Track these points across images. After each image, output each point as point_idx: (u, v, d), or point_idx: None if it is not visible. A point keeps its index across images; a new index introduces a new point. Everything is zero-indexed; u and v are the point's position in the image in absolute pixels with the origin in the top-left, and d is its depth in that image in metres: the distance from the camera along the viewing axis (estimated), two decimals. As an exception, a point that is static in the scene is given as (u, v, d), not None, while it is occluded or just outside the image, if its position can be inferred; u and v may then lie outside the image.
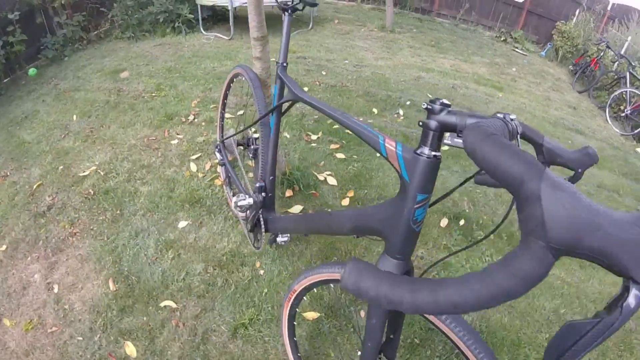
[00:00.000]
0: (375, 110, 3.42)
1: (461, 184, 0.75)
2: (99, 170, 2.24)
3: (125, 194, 2.08)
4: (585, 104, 5.39)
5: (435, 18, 6.92)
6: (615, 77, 5.55)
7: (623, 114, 5.02)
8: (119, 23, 4.58)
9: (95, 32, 4.62)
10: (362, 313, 1.61)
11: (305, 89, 3.52)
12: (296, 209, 2.09)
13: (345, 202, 2.19)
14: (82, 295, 1.55)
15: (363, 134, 0.84)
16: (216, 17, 5.20)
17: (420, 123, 0.68)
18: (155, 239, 1.80)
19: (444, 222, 2.19)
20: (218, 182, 2.20)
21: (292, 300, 1.14)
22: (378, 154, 0.81)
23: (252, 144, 1.78)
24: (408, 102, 3.70)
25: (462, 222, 2.20)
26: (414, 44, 5.53)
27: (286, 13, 1.37)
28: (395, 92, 3.87)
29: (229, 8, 4.49)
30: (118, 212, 1.96)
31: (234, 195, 2.05)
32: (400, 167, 0.73)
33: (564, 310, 1.90)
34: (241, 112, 2.92)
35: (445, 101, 0.65)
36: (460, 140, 0.63)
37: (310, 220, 1.16)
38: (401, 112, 3.51)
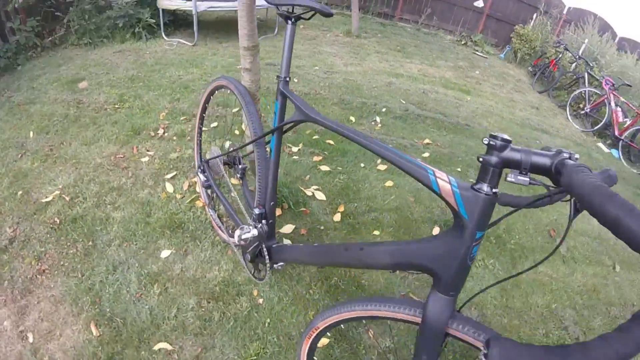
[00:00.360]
0: (352, 119, 3.37)
1: (528, 206, 0.68)
2: (64, 195, 2.01)
3: (95, 222, 1.87)
4: (546, 104, 5.64)
5: (398, 23, 7.02)
6: (574, 77, 5.85)
7: (582, 112, 5.30)
8: (75, 28, 4.22)
9: (50, 39, 4.24)
10: (371, 332, 1.53)
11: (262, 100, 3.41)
12: (287, 228, 1.98)
13: (337, 217, 2.10)
14: (61, 343, 1.35)
15: (406, 166, 0.78)
16: (178, 22, 4.96)
17: (480, 159, 0.66)
18: (136, 272, 1.62)
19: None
20: (199, 203, 2.04)
21: (313, 337, 1.03)
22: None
23: (239, 163, 1.66)
24: (384, 109, 3.68)
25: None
26: (380, 49, 5.55)
27: (289, 22, 1.25)
28: (369, 99, 3.84)
29: (193, 13, 4.28)
30: (90, 243, 1.75)
31: (219, 218, 1.92)
32: (457, 205, 0.70)
33: (555, 305, 1.95)
34: (214, 124, 2.77)
35: (506, 136, 0.64)
36: (524, 178, 0.62)
37: (332, 252, 1.05)
38: (378, 119, 3.48)
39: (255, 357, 1.36)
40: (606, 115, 4.89)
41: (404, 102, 4.00)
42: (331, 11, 1.23)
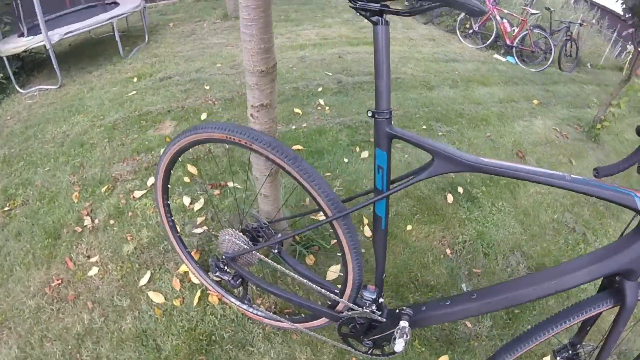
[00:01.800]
0: (298, 111, 2.91)
1: None
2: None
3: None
4: (437, 33, 5.76)
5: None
6: (454, 1, 6.07)
7: (471, 31, 5.53)
8: None
9: None
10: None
11: (203, 115, 2.76)
12: (334, 269, 1.57)
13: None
14: None
15: (605, 194, 0.76)
16: (30, 67, 3.73)
17: None
18: None
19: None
20: (213, 298, 1.47)
21: None
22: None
23: (265, 232, 1.17)
24: (319, 89, 3.27)
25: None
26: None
27: (381, 20, 0.78)
28: (296, 82, 3.39)
29: (47, 47, 3.19)
30: None
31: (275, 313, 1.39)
32: None
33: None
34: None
35: None
36: None
37: (511, 291, 0.90)
38: (321, 101, 3.07)
39: None
40: (494, 29, 5.17)
41: (330, 74, 3.63)
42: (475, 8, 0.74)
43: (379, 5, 0.75)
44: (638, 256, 0.79)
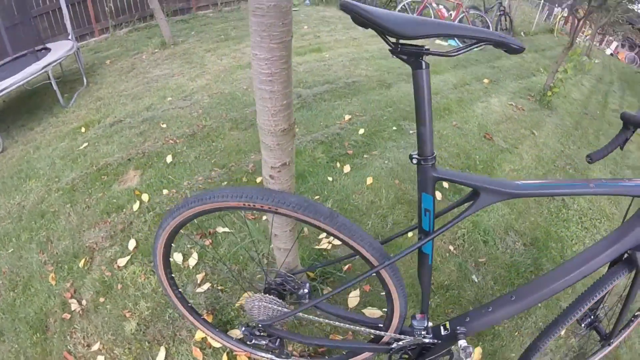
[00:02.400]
0: (267, 134, 2.81)
1: None
2: None
3: None
4: (377, 29, 5.84)
5: (197, 13, 6.19)
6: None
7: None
8: None
9: None
10: None
11: (168, 157, 2.60)
12: (354, 295, 1.58)
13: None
14: None
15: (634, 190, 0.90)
16: None
17: None
18: None
19: None
20: (243, 359, 1.37)
21: None
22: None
23: (291, 285, 1.11)
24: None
25: None
26: (208, 46, 4.81)
27: (423, 62, 0.75)
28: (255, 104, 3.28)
29: None
30: None
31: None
32: None
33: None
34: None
35: None
36: None
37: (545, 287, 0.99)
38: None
39: None
40: (432, 17, 5.32)
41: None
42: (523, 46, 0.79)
43: (423, 48, 0.71)
44: None
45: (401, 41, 0.73)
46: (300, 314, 1.02)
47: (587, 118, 4.23)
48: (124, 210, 2.18)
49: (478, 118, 3.39)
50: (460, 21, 5.27)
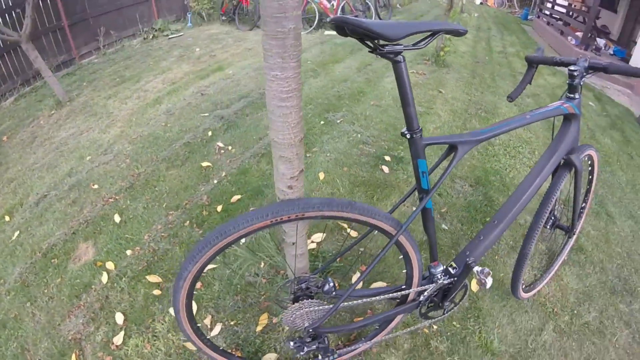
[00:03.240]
0: (207, 164, 2.82)
1: None
2: None
3: None
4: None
5: (81, 62, 5.71)
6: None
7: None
8: None
9: None
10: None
11: (116, 217, 2.46)
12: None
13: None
14: None
15: (549, 113, 1.23)
16: None
17: None
18: None
19: None
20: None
21: None
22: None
23: (315, 284, 1.19)
24: (209, 133, 3.20)
25: None
26: (107, 93, 4.51)
27: (401, 57, 0.90)
28: (182, 137, 3.25)
29: None
30: None
31: None
32: None
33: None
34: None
35: None
36: None
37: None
38: (220, 144, 3.03)
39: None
40: (316, 11, 5.57)
41: (206, 114, 3.55)
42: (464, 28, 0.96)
43: (402, 46, 0.83)
44: (572, 139, 1.31)
45: (382, 42, 0.85)
46: (346, 303, 1.11)
47: (479, 66, 4.79)
48: (93, 286, 2.03)
49: (390, 92, 3.68)
50: (343, 8, 5.59)
